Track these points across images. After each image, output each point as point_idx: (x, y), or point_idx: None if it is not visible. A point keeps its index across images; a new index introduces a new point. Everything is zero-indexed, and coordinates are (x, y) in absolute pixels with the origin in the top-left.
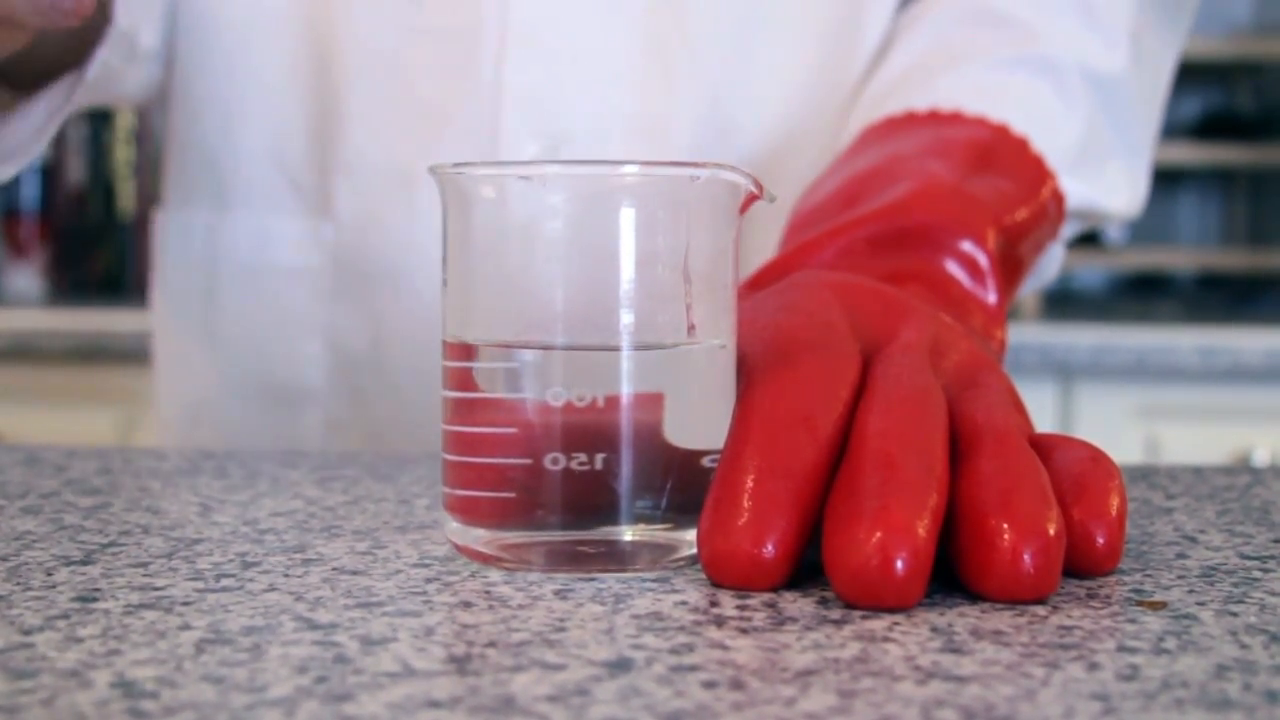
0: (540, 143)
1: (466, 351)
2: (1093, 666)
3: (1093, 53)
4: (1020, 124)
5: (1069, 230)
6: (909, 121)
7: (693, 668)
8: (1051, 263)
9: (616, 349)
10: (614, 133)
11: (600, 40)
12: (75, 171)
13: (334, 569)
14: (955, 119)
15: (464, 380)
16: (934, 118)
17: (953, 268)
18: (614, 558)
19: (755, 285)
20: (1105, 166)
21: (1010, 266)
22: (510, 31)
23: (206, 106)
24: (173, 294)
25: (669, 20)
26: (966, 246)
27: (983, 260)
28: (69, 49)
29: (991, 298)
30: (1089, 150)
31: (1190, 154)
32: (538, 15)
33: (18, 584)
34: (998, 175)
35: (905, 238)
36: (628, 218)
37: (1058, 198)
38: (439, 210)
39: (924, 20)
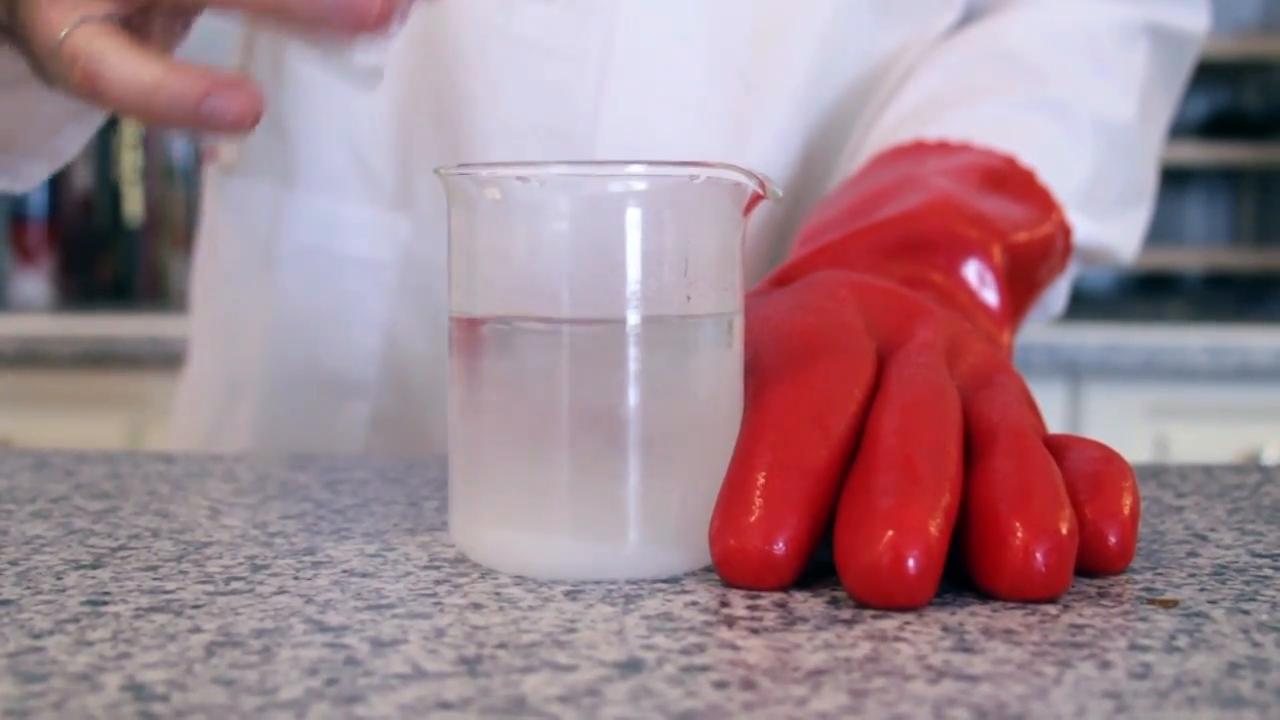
0: None
1: (471, 345)
2: (1105, 665)
3: (1103, 100)
4: (1028, 157)
5: (1074, 268)
6: (918, 149)
7: (704, 668)
8: (1058, 297)
9: (621, 322)
10: None
11: (699, 83)
12: (82, 177)
13: (344, 571)
14: (964, 148)
15: (471, 378)
16: (943, 147)
17: (960, 276)
18: (624, 558)
19: (771, 286)
20: (1111, 208)
21: (1018, 284)
22: (612, 63)
23: (286, 79)
24: (224, 262)
25: (770, 71)
26: (974, 257)
27: (989, 271)
28: None
29: (997, 304)
30: (1096, 190)
31: (1198, 153)
32: (641, 51)
33: (28, 588)
34: (1006, 199)
35: (916, 246)
36: (627, 218)
37: (1065, 229)
38: None
39: (939, 58)
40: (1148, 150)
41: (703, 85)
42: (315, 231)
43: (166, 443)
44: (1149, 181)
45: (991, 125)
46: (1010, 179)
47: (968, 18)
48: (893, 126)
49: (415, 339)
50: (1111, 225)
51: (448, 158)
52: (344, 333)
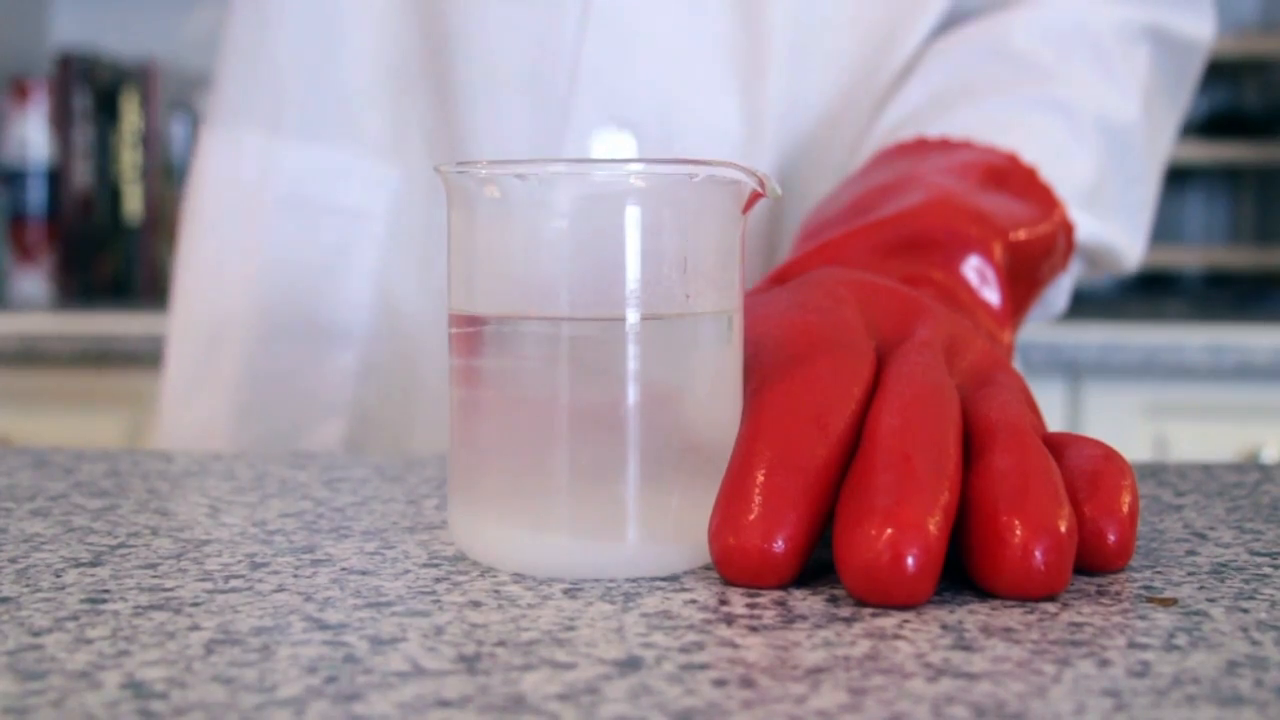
0: (610, 127)
1: (470, 343)
2: (1104, 663)
3: (1108, 102)
4: (1030, 154)
5: (1077, 268)
6: (920, 147)
7: (703, 666)
8: (1060, 295)
9: (620, 320)
10: (687, 130)
11: (679, 38)
12: (82, 175)
13: (343, 569)
14: (965, 146)
15: (470, 377)
16: (945, 144)
17: (961, 274)
18: (623, 556)
19: (771, 284)
20: (1115, 209)
21: (1019, 282)
22: (591, 11)
23: (273, 26)
24: (211, 211)
25: (749, 29)
26: (975, 255)
27: (990, 269)
28: None
29: (998, 302)
30: (1099, 191)
31: (1197, 152)
32: (621, 1)
33: (27, 585)
34: (1008, 196)
35: (916, 244)
36: (626, 216)
37: (1067, 227)
38: None
39: (944, 54)
40: (1152, 155)
41: (684, 36)
42: (304, 181)
43: (155, 404)
44: (1152, 188)
45: (993, 123)
46: (1011, 176)
47: (967, 13)
48: (894, 125)
49: (406, 287)
50: (1114, 224)
51: (435, 107)
52: (333, 281)
